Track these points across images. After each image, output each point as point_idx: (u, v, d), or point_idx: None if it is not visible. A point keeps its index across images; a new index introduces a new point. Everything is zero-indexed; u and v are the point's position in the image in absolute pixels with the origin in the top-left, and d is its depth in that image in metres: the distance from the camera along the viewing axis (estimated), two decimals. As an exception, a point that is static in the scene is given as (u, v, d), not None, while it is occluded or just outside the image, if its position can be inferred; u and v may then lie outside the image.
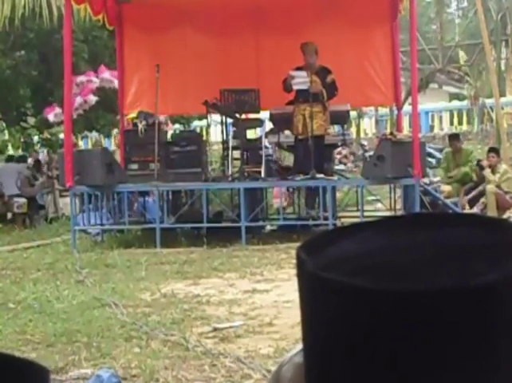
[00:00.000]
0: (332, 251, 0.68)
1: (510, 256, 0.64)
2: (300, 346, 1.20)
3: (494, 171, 12.11)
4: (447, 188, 12.72)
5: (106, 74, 13.70)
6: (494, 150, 12.67)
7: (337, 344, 0.65)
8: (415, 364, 0.63)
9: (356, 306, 0.63)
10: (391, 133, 11.29)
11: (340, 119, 11.69)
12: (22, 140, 17.46)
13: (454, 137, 13.69)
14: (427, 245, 0.67)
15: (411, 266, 0.64)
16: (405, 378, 0.63)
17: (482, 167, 12.33)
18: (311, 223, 11.21)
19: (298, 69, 10.78)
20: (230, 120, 11.85)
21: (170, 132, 14.97)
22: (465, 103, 27.12)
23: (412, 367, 0.63)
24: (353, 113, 20.38)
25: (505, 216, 11.37)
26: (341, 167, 19.08)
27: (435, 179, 13.47)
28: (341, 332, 0.65)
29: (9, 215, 14.86)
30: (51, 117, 14.18)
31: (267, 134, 12.32)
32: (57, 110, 13.76)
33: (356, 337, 0.64)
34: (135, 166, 11.64)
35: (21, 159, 15.98)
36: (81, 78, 13.53)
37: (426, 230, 0.68)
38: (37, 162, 15.93)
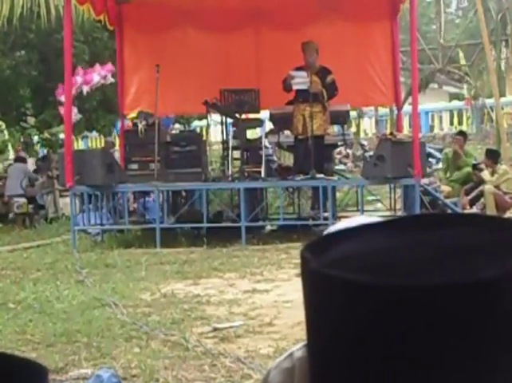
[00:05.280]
0: (335, 251, 0.69)
1: (510, 253, 0.64)
2: (288, 352, 1.20)
3: (493, 173, 12.10)
4: (446, 188, 12.72)
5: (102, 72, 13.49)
6: (488, 153, 12.64)
7: (340, 341, 0.66)
8: (418, 358, 0.63)
9: (359, 302, 0.63)
10: (391, 133, 11.29)
11: (340, 119, 11.69)
12: (22, 140, 17.46)
13: (460, 134, 13.66)
14: (430, 244, 0.67)
15: (415, 264, 0.65)
16: (410, 370, 0.63)
17: (480, 169, 12.32)
18: (311, 223, 11.21)
19: (298, 68, 10.79)
20: (230, 120, 11.85)
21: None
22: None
23: (414, 362, 0.63)
24: (353, 113, 20.38)
25: (505, 217, 11.35)
26: (341, 167, 19.07)
27: (435, 180, 13.46)
28: (344, 329, 0.65)
29: (10, 215, 14.87)
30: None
31: (267, 134, 12.32)
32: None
33: (358, 334, 0.64)
34: (135, 166, 11.64)
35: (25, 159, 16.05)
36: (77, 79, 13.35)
37: (428, 231, 0.69)
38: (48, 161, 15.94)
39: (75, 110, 12.94)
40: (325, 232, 1.03)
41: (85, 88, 13.07)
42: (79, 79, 13.16)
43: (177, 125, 19.20)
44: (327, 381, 0.68)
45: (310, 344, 0.71)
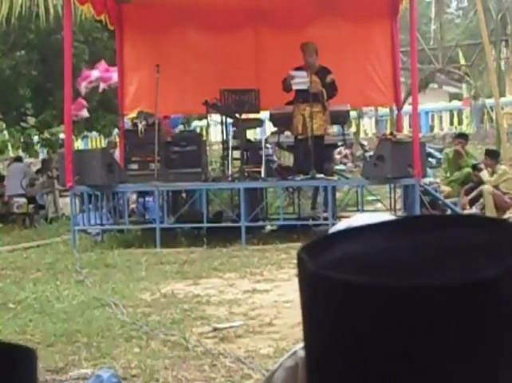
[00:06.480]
0: (333, 252, 0.68)
1: (510, 253, 0.64)
2: (292, 350, 1.21)
3: (493, 173, 12.09)
4: (446, 188, 12.71)
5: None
6: (488, 153, 12.63)
7: (338, 343, 0.65)
8: (418, 359, 0.63)
9: (358, 304, 0.63)
10: (391, 133, 11.29)
11: (340, 119, 11.69)
12: (22, 140, 17.46)
13: (462, 136, 13.69)
14: (430, 245, 0.67)
15: (414, 265, 0.65)
16: (410, 371, 0.63)
17: (479, 169, 12.31)
18: (311, 223, 11.21)
19: (298, 68, 10.79)
20: (230, 120, 11.85)
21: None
22: (465, 103, 27.14)
23: (415, 363, 0.63)
24: (353, 113, 20.37)
25: (505, 217, 11.34)
26: (341, 167, 19.06)
27: (436, 180, 13.45)
28: (343, 330, 0.65)
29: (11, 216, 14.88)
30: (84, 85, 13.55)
31: (267, 139, 12.29)
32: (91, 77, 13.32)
33: (357, 336, 0.64)
34: (135, 166, 11.64)
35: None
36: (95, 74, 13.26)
37: (427, 232, 0.69)
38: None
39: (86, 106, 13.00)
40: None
41: (102, 86, 13.08)
42: (95, 73, 13.13)
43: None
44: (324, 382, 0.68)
45: (307, 345, 0.71)
